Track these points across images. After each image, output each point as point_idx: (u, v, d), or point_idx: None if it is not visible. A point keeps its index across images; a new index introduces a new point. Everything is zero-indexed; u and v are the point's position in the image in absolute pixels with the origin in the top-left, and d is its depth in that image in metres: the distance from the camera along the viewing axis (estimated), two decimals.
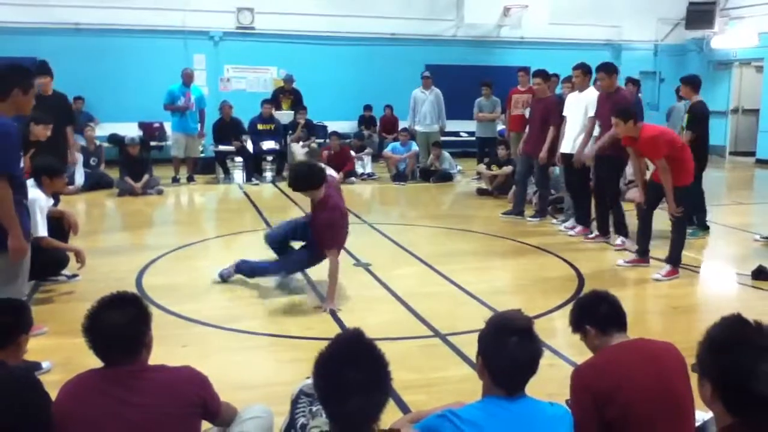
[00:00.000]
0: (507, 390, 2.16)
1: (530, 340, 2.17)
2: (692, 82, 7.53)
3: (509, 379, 2.17)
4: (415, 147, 12.10)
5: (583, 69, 7.58)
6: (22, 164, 4.15)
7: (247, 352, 4.35)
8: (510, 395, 2.16)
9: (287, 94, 12.98)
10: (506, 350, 2.14)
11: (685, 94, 7.77)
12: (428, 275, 6.08)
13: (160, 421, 2.21)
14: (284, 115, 12.56)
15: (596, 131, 7.32)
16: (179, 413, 2.25)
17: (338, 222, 5.16)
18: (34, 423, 2.07)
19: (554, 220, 8.44)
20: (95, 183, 10.56)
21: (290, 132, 12.44)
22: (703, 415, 2.67)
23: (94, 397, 2.23)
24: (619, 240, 7.08)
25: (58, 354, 3.98)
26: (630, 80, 11.09)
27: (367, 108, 14.58)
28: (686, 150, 6.04)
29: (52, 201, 5.43)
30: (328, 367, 1.87)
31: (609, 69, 7.09)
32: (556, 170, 8.60)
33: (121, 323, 2.27)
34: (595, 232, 7.42)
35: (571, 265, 6.40)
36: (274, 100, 12.67)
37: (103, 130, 12.48)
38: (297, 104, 12.81)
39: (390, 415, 2.73)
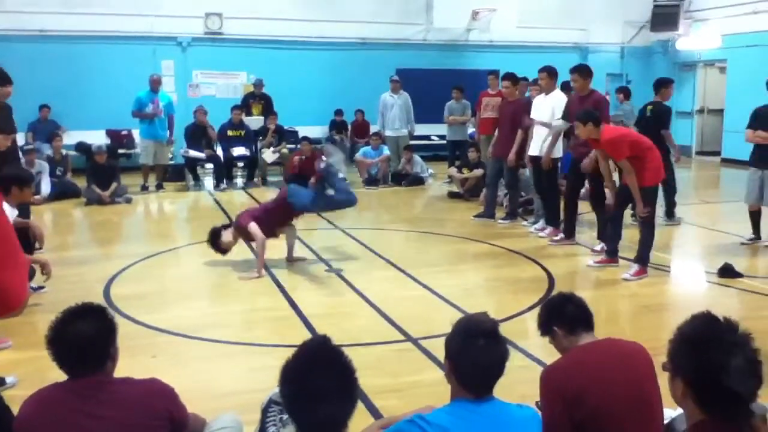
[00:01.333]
0: (475, 393, 2.16)
1: (496, 343, 2.18)
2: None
3: (476, 381, 2.17)
4: (386, 151, 12.11)
5: (549, 72, 7.65)
6: None
7: (217, 361, 4.31)
8: (478, 398, 2.16)
9: (257, 99, 12.91)
10: (473, 353, 2.14)
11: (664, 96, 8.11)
12: (401, 279, 6.08)
13: None
14: (254, 121, 12.49)
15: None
16: (145, 426, 2.21)
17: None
18: None
19: (525, 222, 8.51)
20: (62, 192, 10.38)
21: (261, 138, 12.37)
22: (670, 412, 2.71)
23: (57, 411, 2.18)
24: (599, 246, 6.99)
25: (24, 368, 3.91)
26: (621, 90, 11.52)
27: (338, 113, 14.56)
28: (653, 150, 6.11)
29: (16, 212, 5.32)
30: (294, 375, 1.86)
31: (583, 71, 7.17)
32: (527, 172, 8.67)
33: (85, 335, 2.23)
34: (561, 235, 7.47)
35: (542, 267, 6.46)
36: (245, 106, 12.60)
37: (70, 138, 12.29)
38: (267, 109, 12.74)
39: (361, 421, 2.73)
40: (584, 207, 7.71)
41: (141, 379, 2.35)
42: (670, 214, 8.41)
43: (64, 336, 2.23)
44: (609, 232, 6.53)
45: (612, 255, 6.46)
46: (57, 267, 5.64)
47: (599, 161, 6.47)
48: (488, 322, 2.23)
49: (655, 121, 7.91)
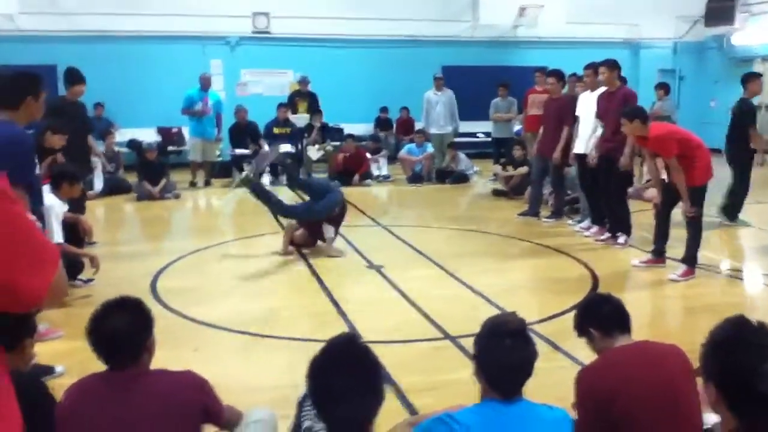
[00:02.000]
0: (502, 393, 2.15)
1: (524, 342, 2.16)
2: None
3: (503, 381, 2.15)
4: (430, 148, 12.08)
5: (595, 68, 7.51)
6: (38, 171, 4.22)
7: (257, 355, 4.37)
8: (506, 398, 2.14)
9: (303, 97, 13.02)
10: (499, 353, 2.13)
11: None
12: (441, 277, 6.06)
13: (159, 425, 2.22)
14: (300, 119, 12.61)
15: (599, 131, 7.28)
16: (178, 418, 2.26)
17: None
18: (35, 424, 2.11)
19: (570, 221, 8.38)
20: (114, 188, 10.68)
21: (306, 135, 12.48)
22: (712, 417, 2.63)
23: (94, 401, 2.25)
24: (622, 238, 7.05)
25: (72, 358, 4.03)
26: (662, 85, 11.24)
27: (383, 110, 14.58)
28: (702, 149, 5.95)
29: (66, 207, 5.50)
30: (319, 372, 1.88)
31: (610, 65, 7.05)
32: (572, 171, 8.54)
33: (121, 327, 2.30)
34: (607, 234, 7.34)
35: (586, 266, 6.35)
36: (291, 104, 12.73)
37: (122, 135, 12.62)
38: (313, 106, 12.85)
39: (396, 419, 2.73)
40: (633, 206, 7.55)
41: (176, 371, 2.40)
42: (732, 215, 8.13)
43: (101, 328, 2.30)
44: (656, 232, 6.38)
45: (659, 255, 6.31)
46: (107, 260, 5.83)
47: (646, 160, 6.33)
48: (515, 322, 2.21)
49: (740, 118, 7.71)
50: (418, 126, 13.13)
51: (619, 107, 6.63)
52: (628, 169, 6.77)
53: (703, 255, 6.20)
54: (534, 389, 2.26)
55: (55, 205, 5.07)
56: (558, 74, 8.50)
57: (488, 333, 2.20)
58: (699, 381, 2.23)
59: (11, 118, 3.92)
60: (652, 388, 2.35)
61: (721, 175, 7.34)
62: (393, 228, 8.13)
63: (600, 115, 7.20)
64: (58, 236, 5.06)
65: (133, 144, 12.65)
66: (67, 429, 2.23)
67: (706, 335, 1.82)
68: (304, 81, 13.05)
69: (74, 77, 7.22)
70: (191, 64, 12.92)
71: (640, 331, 2.71)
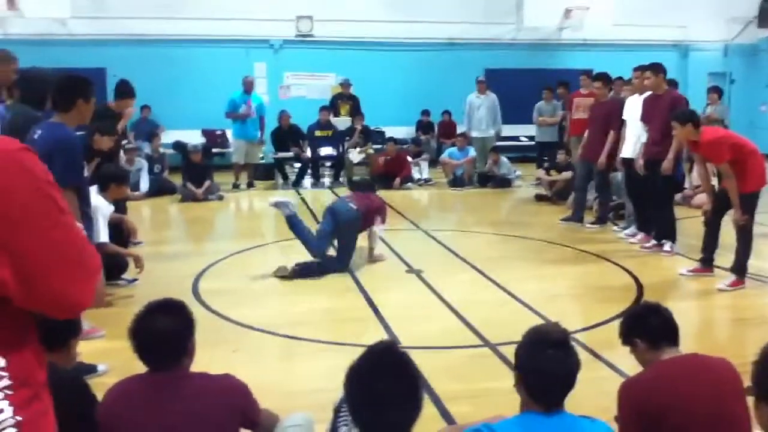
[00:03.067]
0: (544, 404, 2.09)
1: (566, 354, 2.10)
2: None
3: (545, 393, 2.10)
4: (472, 152, 11.99)
5: (643, 71, 7.33)
6: (86, 173, 4.32)
7: (297, 359, 4.38)
8: (547, 410, 2.09)
9: (345, 100, 13.06)
10: (541, 364, 2.08)
11: None
12: (482, 283, 5.99)
13: (195, 427, 2.23)
14: (342, 122, 12.65)
15: (644, 136, 7.11)
16: (216, 421, 2.27)
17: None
18: (77, 424, 2.14)
19: (615, 227, 8.21)
20: (159, 189, 10.86)
21: (348, 138, 12.52)
22: None
23: (134, 402, 2.27)
24: (667, 246, 6.87)
25: (115, 357, 4.09)
26: (715, 89, 10.92)
27: (425, 113, 14.54)
28: (755, 155, 5.76)
29: (112, 208, 5.60)
30: (357, 378, 1.86)
31: (655, 69, 6.88)
32: (618, 176, 8.37)
33: (163, 330, 2.31)
34: (653, 241, 7.16)
35: (631, 274, 6.20)
36: (333, 106, 12.78)
37: (168, 137, 12.84)
38: (355, 109, 12.88)
39: (433, 427, 2.70)
40: (680, 212, 7.36)
41: (216, 375, 2.40)
42: None
43: (144, 329, 2.32)
44: (705, 240, 6.19)
45: (707, 264, 6.12)
46: (151, 261, 5.91)
47: (696, 165, 6.17)
48: (558, 332, 2.16)
49: None
50: (460, 129, 13.06)
51: (666, 111, 6.48)
52: (670, 173, 6.60)
53: (754, 265, 6.00)
54: (574, 399, 2.20)
55: (101, 206, 5.17)
56: (604, 77, 8.35)
57: (530, 343, 2.15)
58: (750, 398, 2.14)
59: (62, 120, 4.02)
60: (705, 403, 2.27)
61: None
62: (433, 232, 8.08)
63: (645, 119, 7.04)
64: (104, 236, 5.15)
65: (178, 146, 12.86)
66: (107, 430, 2.25)
67: (758, 351, 1.74)
68: (346, 84, 13.10)
69: (123, 91, 7.14)
70: (235, 67, 13.08)
71: (685, 341, 2.62)
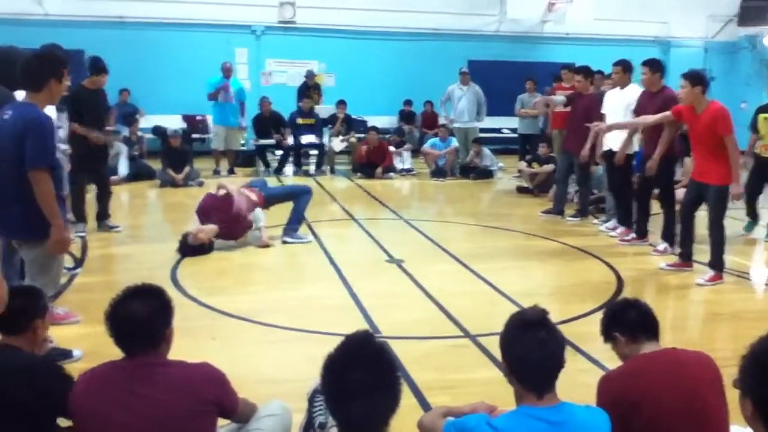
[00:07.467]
0: (536, 390, 2.06)
1: (549, 332, 2.08)
2: None
3: (535, 377, 2.07)
4: (454, 143, 11.98)
5: (624, 65, 7.37)
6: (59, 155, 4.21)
7: (272, 346, 4.35)
8: (540, 396, 2.06)
9: (312, 90, 12.77)
10: (526, 347, 2.05)
11: None
12: (462, 273, 5.99)
13: (170, 416, 2.19)
14: (324, 110, 12.56)
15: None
16: (190, 409, 2.22)
17: None
18: (46, 405, 2.11)
19: (595, 221, 8.25)
20: (137, 174, 10.74)
21: (330, 126, 12.44)
22: (739, 429, 2.55)
23: (108, 388, 2.23)
24: (662, 246, 6.77)
25: (89, 342, 4.03)
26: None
27: (407, 103, 14.50)
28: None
29: None
30: (333, 369, 1.83)
31: (653, 65, 6.85)
32: (599, 169, 8.40)
33: (141, 315, 2.26)
34: (632, 234, 7.20)
35: (611, 268, 6.24)
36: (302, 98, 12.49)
37: (147, 122, 12.67)
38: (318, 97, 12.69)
39: (412, 416, 2.68)
40: (658, 206, 7.40)
41: (192, 363, 2.36)
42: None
43: (120, 314, 2.26)
44: (681, 234, 6.23)
45: (686, 259, 6.17)
46: (128, 245, 5.83)
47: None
48: (536, 314, 2.13)
49: None
50: (441, 120, 13.05)
51: (658, 110, 6.44)
52: (653, 174, 6.60)
53: (733, 260, 6.06)
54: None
55: None
56: (586, 71, 8.37)
57: (511, 329, 2.13)
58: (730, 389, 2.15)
59: (33, 100, 3.90)
60: (679, 397, 2.27)
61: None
62: (414, 222, 8.07)
63: (638, 114, 7.00)
64: None
65: (158, 130, 12.71)
66: (80, 416, 2.21)
67: (739, 346, 1.74)
68: (310, 75, 12.89)
69: (96, 67, 7.20)
70: (217, 52, 12.94)
71: (663, 335, 2.63)
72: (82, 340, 4.13)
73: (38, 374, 2.31)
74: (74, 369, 3.13)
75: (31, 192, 3.73)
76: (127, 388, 2.20)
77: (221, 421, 2.49)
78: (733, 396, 1.78)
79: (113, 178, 9.42)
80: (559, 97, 8.93)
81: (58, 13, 12.63)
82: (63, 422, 2.39)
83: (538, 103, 9.50)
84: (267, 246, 6.67)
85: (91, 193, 7.37)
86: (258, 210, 6.83)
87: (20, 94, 4.41)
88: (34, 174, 3.69)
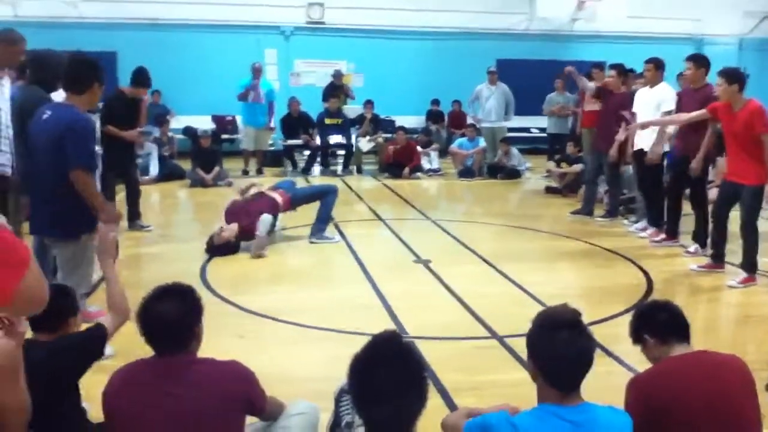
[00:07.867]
0: (562, 390, 2.04)
1: (579, 334, 2.06)
2: None
3: (561, 376, 2.05)
4: (482, 143, 11.93)
5: (656, 63, 7.24)
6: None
7: (302, 346, 4.37)
8: (565, 395, 2.04)
9: (338, 90, 12.71)
10: (555, 346, 2.03)
11: None
12: (489, 274, 5.97)
13: (200, 414, 2.21)
14: (351, 110, 12.59)
15: (672, 129, 7.01)
16: (220, 407, 2.25)
17: None
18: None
19: (625, 221, 8.15)
20: (168, 173, 10.88)
21: (357, 126, 12.47)
22: None
23: (138, 387, 2.26)
24: (693, 247, 6.68)
25: (120, 340, 4.06)
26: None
27: (435, 103, 14.47)
28: None
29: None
30: (360, 369, 1.83)
31: (698, 60, 6.71)
32: (629, 169, 8.30)
33: (171, 314, 2.29)
34: (663, 235, 7.10)
35: (641, 269, 6.16)
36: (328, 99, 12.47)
37: (178, 123, 12.84)
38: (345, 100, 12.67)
39: (437, 417, 2.67)
40: (689, 206, 7.28)
41: (222, 361, 2.38)
42: None
43: (151, 313, 2.30)
44: (713, 235, 6.12)
45: (718, 260, 6.06)
46: (159, 245, 5.90)
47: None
48: (567, 313, 2.11)
49: None
50: (470, 119, 13.00)
51: (699, 107, 6.33)
52: (698, 175, 6.48)
53: (766, 262, 5.94)
54: (582, 393, 2.16)
55: None
56: (619, 68, 8.26)
57: (541, 326, 2.11)
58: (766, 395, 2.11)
59: (74, 102, 3.99)
60: (710, 400, 2.24)
61: None
62: (442, 222, 8.05)
63: (680, 112, 6.88)
64: None
65: (188, 131, 12.87)
66: (111, 414, 2.25)
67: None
68: (337, 75, 12.84)
69: (140, 80, 7.41)
70: (246, 53, 13.04)
71: (694, 338, 2.59)
72: (113, 338, 4.18)
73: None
74: (106, 367, 3.20)
75: (66, 192, 3.82)
76: (158, 386, 2.24)
77: (249, 419, 2.52)
78: (765, 400, 1.76)
79: (144, 178, 9.59)
80: (591, 83, 8.85)
81: (92, 15, 12.84)
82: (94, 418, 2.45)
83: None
84: (259, 257, 6.38)
85: (120, 194, 7.49)
86: (265, 216, 6.54)
87: (57, 96, 4.51)
88: (77, 174, 3.77)
